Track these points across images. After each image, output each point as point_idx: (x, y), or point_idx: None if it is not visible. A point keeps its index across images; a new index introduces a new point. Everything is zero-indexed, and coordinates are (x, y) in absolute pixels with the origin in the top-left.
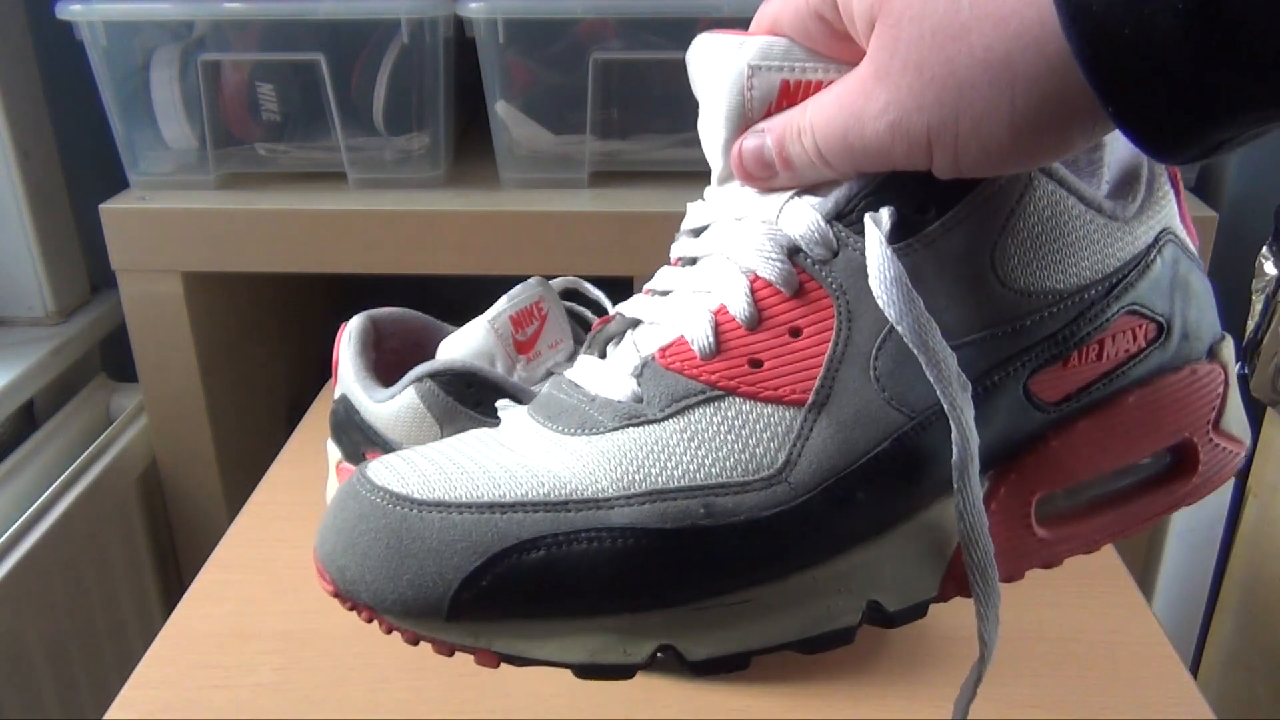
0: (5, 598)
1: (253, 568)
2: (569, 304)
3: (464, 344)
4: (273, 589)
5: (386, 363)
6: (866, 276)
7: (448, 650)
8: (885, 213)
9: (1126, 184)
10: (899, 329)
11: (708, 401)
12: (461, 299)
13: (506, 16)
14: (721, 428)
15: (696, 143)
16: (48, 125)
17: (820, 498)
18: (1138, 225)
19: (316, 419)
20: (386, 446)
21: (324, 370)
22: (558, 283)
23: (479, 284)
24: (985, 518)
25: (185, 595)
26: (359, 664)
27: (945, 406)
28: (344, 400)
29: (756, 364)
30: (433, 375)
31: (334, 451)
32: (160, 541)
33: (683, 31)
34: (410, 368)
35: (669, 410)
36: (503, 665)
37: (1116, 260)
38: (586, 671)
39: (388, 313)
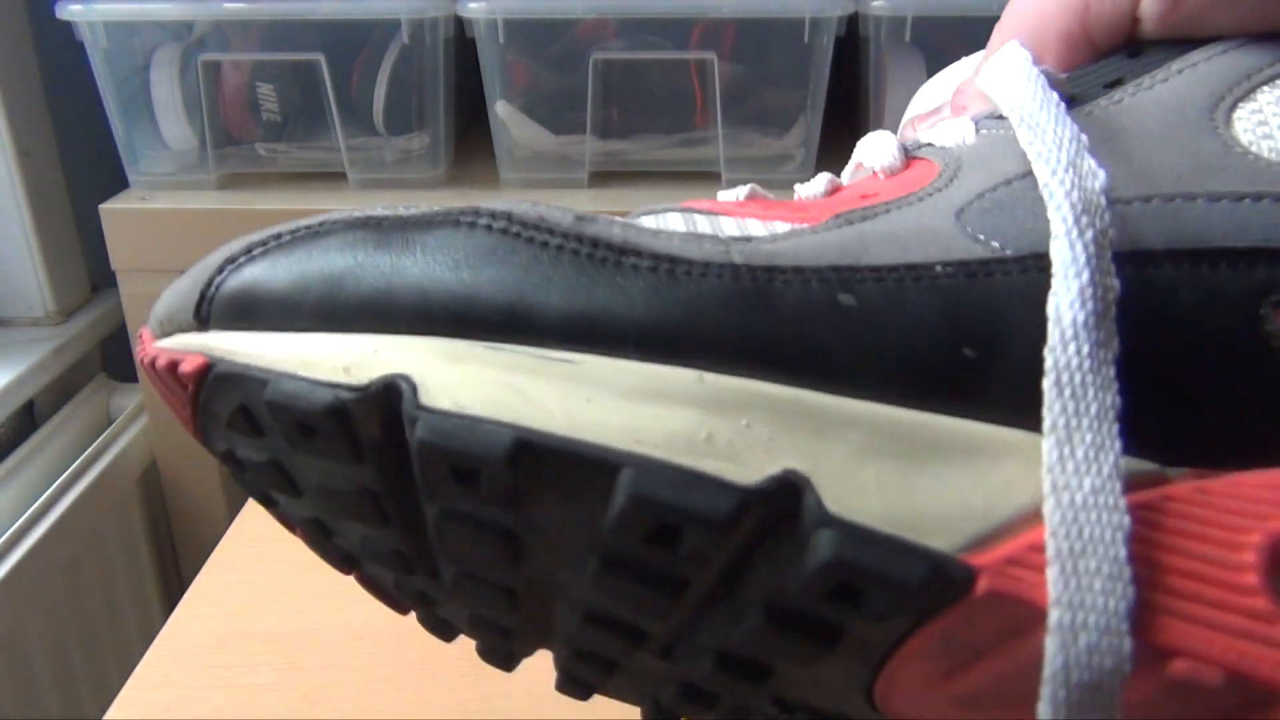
0: (5, 598)
1: (253, 568)
2: None
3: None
4: (273, 589)
5: None
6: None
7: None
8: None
9: None
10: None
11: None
12: None
13: (506, 16)
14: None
15: (696, 143)
16: (48, 125)
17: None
18: None
19: None
20: None
21: None
22: None
23: None
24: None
25: (185, 595)
26: (359, 664)
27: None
28: None
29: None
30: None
31: None
32: (160, 541)
33: (683, 31)
34: None
35: None
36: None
37: None
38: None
39: None
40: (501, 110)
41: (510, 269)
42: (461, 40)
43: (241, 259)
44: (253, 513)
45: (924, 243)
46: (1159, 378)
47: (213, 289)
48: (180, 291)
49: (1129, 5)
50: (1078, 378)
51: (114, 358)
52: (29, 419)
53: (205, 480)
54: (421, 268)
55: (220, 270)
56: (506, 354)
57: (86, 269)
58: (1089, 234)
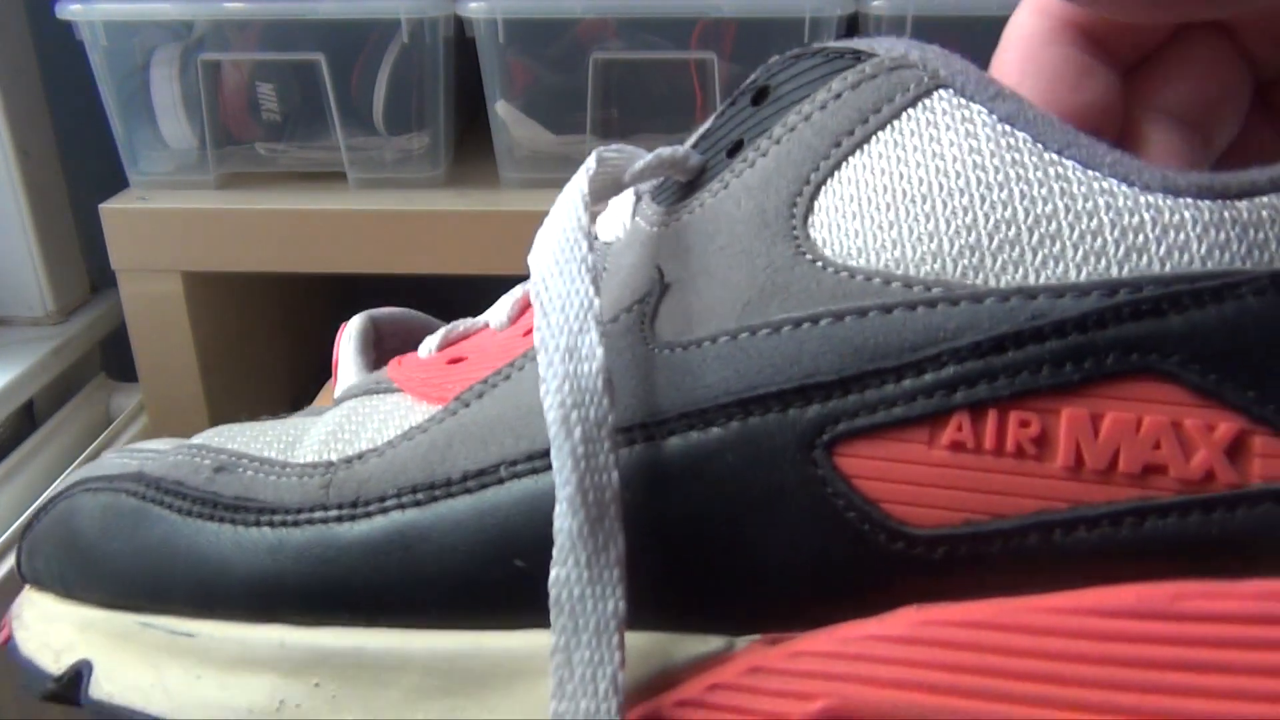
0: (5, 598)
1: None
2: None
3: None
4: None
5: (386, 363)
6: None
7: None
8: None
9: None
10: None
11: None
12: (461, 299)
13: (506, 16)
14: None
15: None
16: (48, 125)
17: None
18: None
19: None
20: None
21: (324, 370)
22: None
23: (479, 284)
24: None
25: None
26: None
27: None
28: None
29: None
30: None
31: None
32: None
33: (683, 31)
34: None
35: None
36: None
37: (1124, 247)
38: None
39: (388, 313)
40: (501, 110)
41: (150, 540)
42: (461, 40)
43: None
44: None
45: (501, 435)
46: (719, 546)
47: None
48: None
49: None
50: (575, 591)
51: (114, 358)
52: (29, 419)
53: None
54: (94, 540)
55: (28, 522)
56: (152, 631)
57: (86, 269)
58: (577, 432)
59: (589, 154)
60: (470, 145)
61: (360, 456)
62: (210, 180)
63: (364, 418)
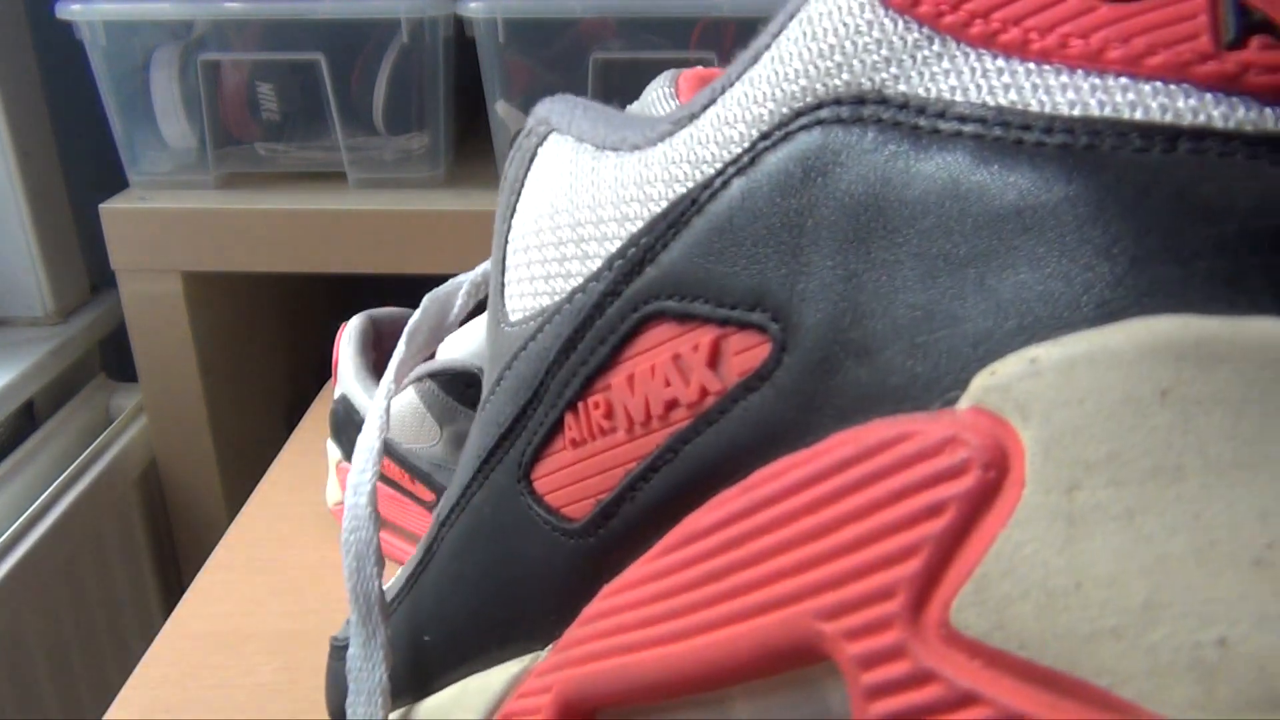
0: (5, 598)
1: (253, 568)
2: None
3: (464, 344)
4: (273, 589)
5: (386, 363)
6: None
7: None
8: None
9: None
10: None
11: None
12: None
13: (506, 16)
14: None
15: None
16: (48, 125)
17: None
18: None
19: (316, 419)
20: (387, 446)
21: (324, 370)
22: None
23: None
24: None
25: (185, 595)
26: None
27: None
28: (344, 400)
29: None
30: (433, 375)
31: (334, 451)
32: (160, 541)
33: (683, 31)
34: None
35: None
36: None
37: (617, 214)
38: None
39: (388, 313)
40: (501, 110)
41: None
42: (461, 40)
43: None
44: (253, 513)
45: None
46: (492, 588)
47: None
48: None
49: None
50: (358, 664)
51: (114, 358)
52: (29, 419)
53: (205, 480)
54: None
55: None
56: None
57: (86, 269)
58: (352, 551)
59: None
60: (470, 145)
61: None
62: (210, 180)
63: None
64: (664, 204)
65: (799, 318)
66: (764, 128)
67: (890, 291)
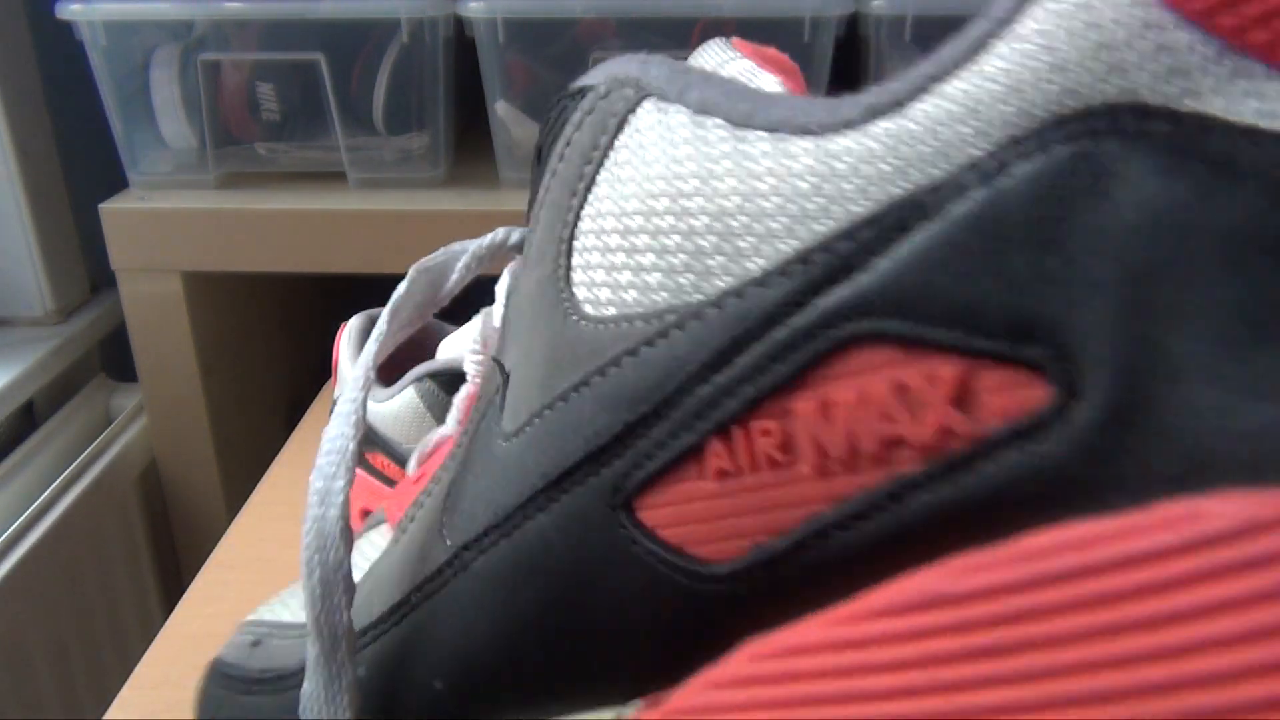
0: (5, 598)
1: (253, 568)
2: None
3: (464, 344)
4: (273, 589)
5: (386, 363)
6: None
7: None
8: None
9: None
10: None
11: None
12: (461, 299)
13: (506, 16)
14: None
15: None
16: (48, 125)
17: None
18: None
19: (316, 419)
20: (386, 446)
21: (324, 370)
22: None
23: (479, 284)
24: None
25: (185, 595)
26: None
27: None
28: None
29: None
30: (433, 375)
31: None
32: (160, 541)
33: (683, 31)
34: (410, 368)
35: None
36: None
37: (813, 221)
38: None
39: None
40: (501, 110)
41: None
42: (461, 40)
43: None
44: (253, 513)
45: (385, 584)
46: (567, 629)
47: None
48: None
49: None
50: (316, 707)
51: (114, 357)
52: (29, 419)
53: (205, 480)
54: None
55: None
56: None
57: (86, 269)
58: (316, 574)
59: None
60: (470, 145)
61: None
62: (210, 180)
63: (360, 556)
64: (868, 205)
65: (1090, 358)
66: (1013, 132)
67: (1193, 335)
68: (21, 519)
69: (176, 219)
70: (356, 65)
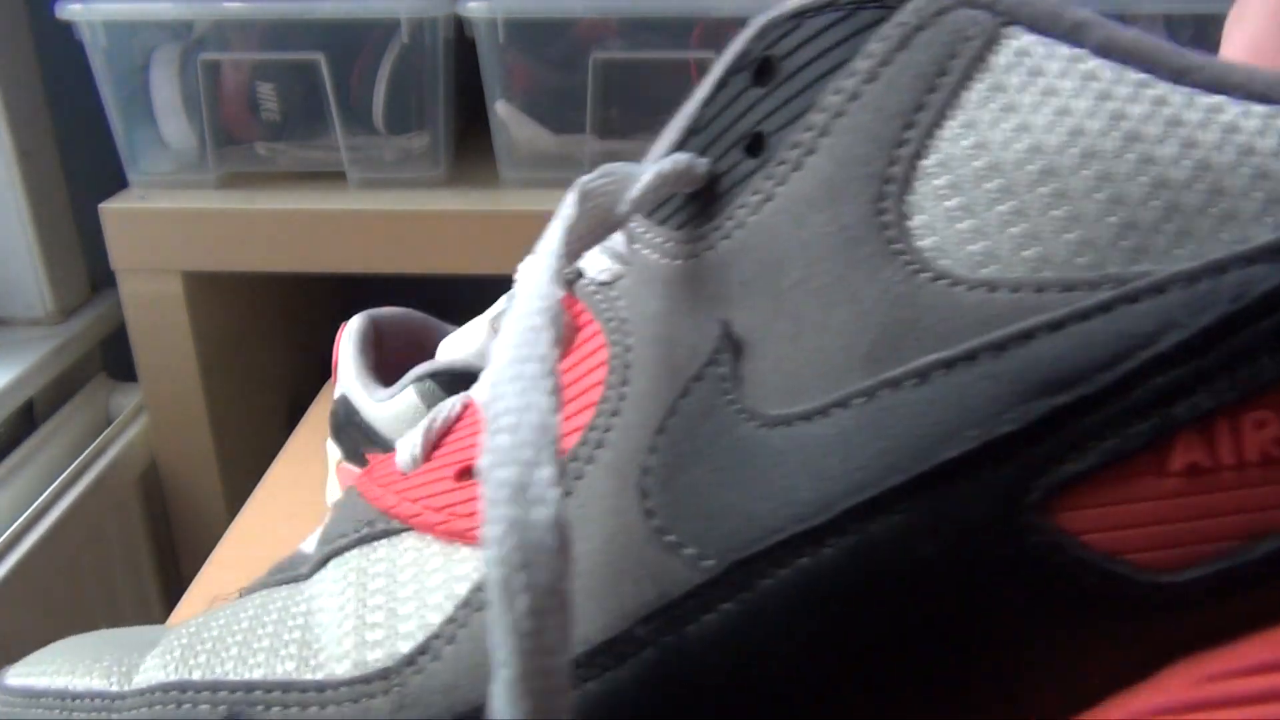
0: (5, 598)
1: (253, 568)
2: None
3: (464, 344)
4: None
5: (386, 363)
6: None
7: None
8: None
9: None
10: None
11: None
12: (461, 299)
13: (506, 16)
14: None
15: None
16: (48, 125)
17: None
18: None
19: (316, 419)
20: (386, 446)
21: (324, 370)
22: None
23: (479, 284)
24: None
25: (185, 595)
26: None
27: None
28: (344, 400)
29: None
30: (433, 375)
31: (334, 451)
32: (160, 541)
33: (683, 31)
34: (410, 368)
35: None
36: None
37: None
38: None
39: (388, 313)
40: (501, 110)
41: None
42: (461, 40)
43: None
44: (253, 512)
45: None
46: (939, 657)
47: None
48: None
49: None
50: None
51: (114, 357)
52: (29, 419)
53: (205, 480)
54: None
55: None
56: None
57: (86, 268)
58: (521, 603)
59: (588, 154)
60: (470, 145)
61: (423, 650)
62: (210, 180)
63: (386, 582)
64: None
65: None
66: None
67: None
68: (21, 519)
69: (177, 219)
70: (356, 65)
